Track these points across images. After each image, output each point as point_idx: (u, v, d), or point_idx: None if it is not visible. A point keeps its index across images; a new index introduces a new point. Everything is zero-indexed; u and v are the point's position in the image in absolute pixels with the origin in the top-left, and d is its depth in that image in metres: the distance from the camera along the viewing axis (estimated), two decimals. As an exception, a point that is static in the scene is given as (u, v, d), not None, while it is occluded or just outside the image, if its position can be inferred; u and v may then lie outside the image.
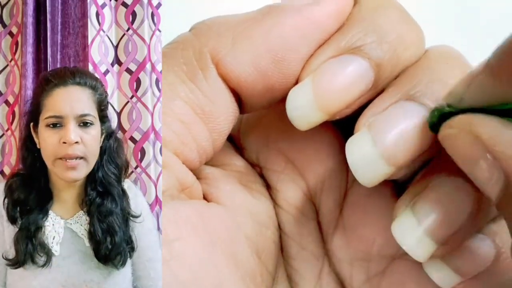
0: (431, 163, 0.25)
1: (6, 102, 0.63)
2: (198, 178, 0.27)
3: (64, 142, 0.45)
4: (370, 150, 0.23)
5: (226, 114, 0.25)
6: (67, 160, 0.45)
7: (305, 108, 0.24)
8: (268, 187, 0.29)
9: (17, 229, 0.46)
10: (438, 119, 0.22)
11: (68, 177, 0.46)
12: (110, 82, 0.63)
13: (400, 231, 0.24)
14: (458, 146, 0.21)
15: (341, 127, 0.28)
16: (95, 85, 0.49)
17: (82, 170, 0.46)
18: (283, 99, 0.25)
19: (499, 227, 0.25)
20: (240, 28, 0.25)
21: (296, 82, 0.25)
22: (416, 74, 0.24)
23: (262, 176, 0.29)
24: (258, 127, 0.29)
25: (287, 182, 0.28)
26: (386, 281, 0.28)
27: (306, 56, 0.25)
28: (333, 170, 0.28)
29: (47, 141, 0.46)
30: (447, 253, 0.24)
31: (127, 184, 0.52)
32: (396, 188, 0.28)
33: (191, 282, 0.23)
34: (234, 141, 0.29)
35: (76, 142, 0.45)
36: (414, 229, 0.24)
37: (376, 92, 0.25)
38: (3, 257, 0.46)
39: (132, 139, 0.63)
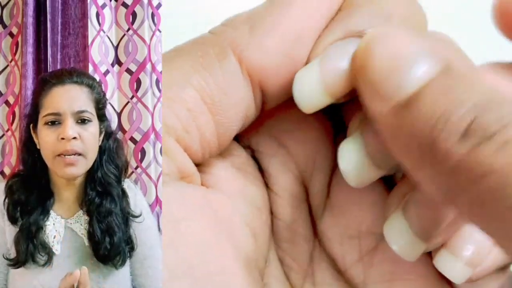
0: None
1: (6, 102, 0.63)
2: None
3: (63, 138, 0.45)
4: (362, 157, 0.24)
5: (237, 109, 0.25)
6: (66, 156, 0.45)
7: (313, 91, 0.24)
8: (260, 170, 0.28)
9: (17, 229, 0.46)
10: None
11: (67, 173, 0.46)
12: (110, 83, 0.63)
13: (391, 233, 0.24)
14: None
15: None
16: (92, 84, 0.49)
17: (81, 167, 0.46)
18: None
19: None
20: (254, 17, 0.25)
21: None
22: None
23: (254, 159, 0.28)
24: None
25: (278, 165, 0.28)
26: (378, 258, 0.27)
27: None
28: (322, 152, 0.28)
29: (46, 139, 0.46)
30: (439, 245, 0.24)
31: (126, 184, 0.52)
32: None
33: (198, 263, 0.23)
34: None
35: (74, 138, 0.45)
36: (404, 232, 0.24)
37: None
38: (4, 257, 0.46)
39: (132, 139, 0.63)
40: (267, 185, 0.28)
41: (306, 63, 0.24)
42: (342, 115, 0.28)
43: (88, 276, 0.41)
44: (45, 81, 0.49)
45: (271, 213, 0.28)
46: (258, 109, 0.26)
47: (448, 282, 0.27)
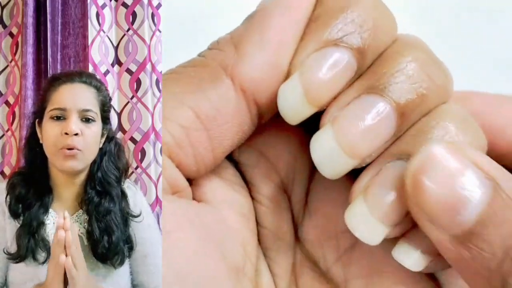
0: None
1: (6, 102, 0.63)
2: None
3: (66, 133, 0.46)
4: (333, 146, 0.24)
5: (232, 123, 0.25)
6: (66, 150, 0.46)
7: (296, 103, 0.25)
8: (244, 180, 0.29)
9: (18, 225, 0.46)
10: None
11: (66, 166, 0.47)
12: (110, 83, 0.63)
13: (353, 219, 0.25)
14: None
15: None
16: (100, 87, 0.50)
17: (80, 161, 0.47)
18: None
19: None
20: (236, 36, 0.26)
21: None
22: (381, 67, 0.25)
23: (237, 170, 0.29)
24: None
25: (261, 176, 0.29)
26: (356, 254, 0.28)
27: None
28: (301, 159, 0.29)
29: (50, 132, 0.47)
30: (401, 233, 0.25)
31: (126, 184, 0.52)
32: None
33: (188, 273, 0.24)
34: None
35: (76, 134, 0.46)
36: (366, 217, 0.24)
37: (357, 77, 0.25)
38: (4, 251, 0.46)
39: (132, 139, 0.63)
40: (251, 195, 0.29)
41: (287, 74, 0.25)
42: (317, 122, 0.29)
43: (69, 220, 0.41)
44: (55, 78, 0.50)
45: (256, 222, 0.29)
46: (254, 123, 0.26)
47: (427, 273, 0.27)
